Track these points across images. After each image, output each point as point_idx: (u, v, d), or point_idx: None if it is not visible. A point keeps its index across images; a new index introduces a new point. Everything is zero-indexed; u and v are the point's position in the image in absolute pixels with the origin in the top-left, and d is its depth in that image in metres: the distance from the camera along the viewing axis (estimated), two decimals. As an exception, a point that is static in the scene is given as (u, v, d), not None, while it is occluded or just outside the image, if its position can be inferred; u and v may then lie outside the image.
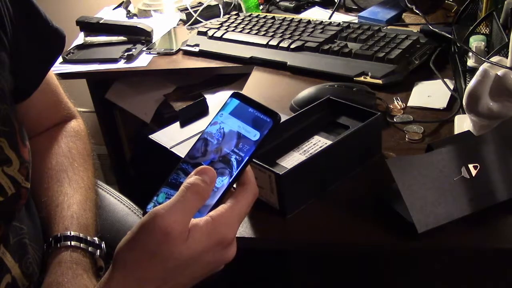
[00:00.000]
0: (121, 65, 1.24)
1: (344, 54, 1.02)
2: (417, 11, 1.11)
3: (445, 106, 0.85)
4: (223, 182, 0.48)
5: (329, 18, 1.29)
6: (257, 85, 1.03)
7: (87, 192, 0.70)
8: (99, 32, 1.35)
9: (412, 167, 0.60)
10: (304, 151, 0.72)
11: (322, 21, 1.18)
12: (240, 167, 0.48)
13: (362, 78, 0.95)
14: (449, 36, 0.96)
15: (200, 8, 1.43)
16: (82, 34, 1.37)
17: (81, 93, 1.37)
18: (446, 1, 1.21)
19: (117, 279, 0.44)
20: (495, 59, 0.68)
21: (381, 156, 0.74)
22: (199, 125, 0.93)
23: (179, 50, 1.26)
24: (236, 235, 0.61)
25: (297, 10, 1.42)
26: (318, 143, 0.73)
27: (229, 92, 0.52)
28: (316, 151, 0.67)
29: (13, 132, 0.59)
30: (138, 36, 1.32)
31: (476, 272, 0.77)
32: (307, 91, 0.89)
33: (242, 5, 1.41)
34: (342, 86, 0.87)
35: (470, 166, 0.61)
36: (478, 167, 0.61)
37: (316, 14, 1.39)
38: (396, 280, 0.85)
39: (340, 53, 1.02)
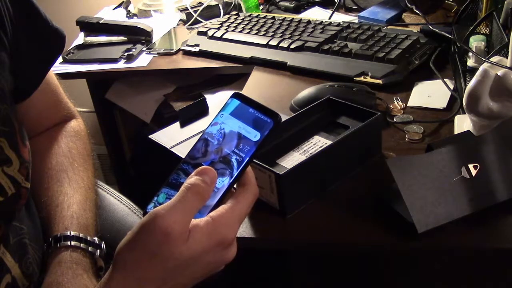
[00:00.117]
0: (121, 65, 1.24)
1: (344, 54, 1.02)
2: (417, 11, 1.10)
3: (445, 106, 0.85)
4: (223, 182, 0.48)
5: (329, 18, 1.29)
6: (257, 85, 1.03)
7: (87, 192, 0.70)
8: (99, 32, 1.35)
9: (412, 167, 0.60)
10: (304, 151, 0.72)
11: (322, 21, 1.18)
12: (240, 168, 0.48)
13: (362, 78, 0.95)
14: (449, 36, 0.96)
15: (200, 8, 1.43)
16: (82, 34, 1.37)
17: (81, 93, 1.37)
18: (446, 1, 1.21)
19: (117, 279, 0.44)
20: (495, 59, 0.68)
21: (381, 156, 0.74)
22: (199, 125, 0.93)
23: (179, 50, 1.26)
24: (236, 235, 0.61)
25: (297, 10, 1.42)
26: (318, 143, 0.73)
27: (229, 92, 0.52)
28: (316, 151, 0.67)
29: (13, 132, 0.59)
30: (138, 36, 1.32)
31: (476, 272, 0.77)
32: (307, 91, 0.89)
33: (242, 5, 1.41)
34: (342, 86, 0.87)
35: (470, 166, 0.61)
36: (478, 167, 0.61)
37: (316, 14, 1.39)
38: (396, 280, 0.85)
39: (340, 53, 1.02)
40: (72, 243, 0.62)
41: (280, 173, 0.61)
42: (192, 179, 0.46)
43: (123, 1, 1.57)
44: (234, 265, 0.50)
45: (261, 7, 1.45)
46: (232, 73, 1.20)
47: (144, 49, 1.29)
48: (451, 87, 0.88)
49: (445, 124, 0.80)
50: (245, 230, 0.64)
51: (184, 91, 1.30)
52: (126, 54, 1.25)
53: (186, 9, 1.45)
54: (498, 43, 0.80)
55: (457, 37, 0.95)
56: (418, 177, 0.59)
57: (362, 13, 1.26)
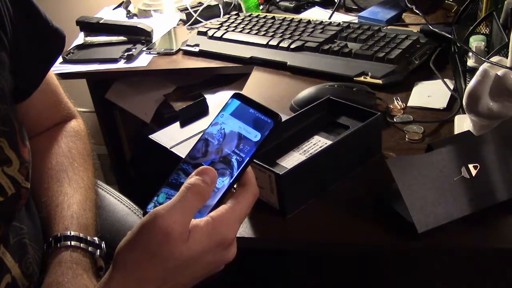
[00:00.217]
0: (121, 65, 1.24)
1: (344, 54, 1.02)
2: (417, 11, 1.10)
3: (445, 106, 0.85)
4: (223, 182, 0.48)
5: (329, 18, 1.29)
6: (257, 85, 1.03)
7: (87, 192, 0.70)
8: (99, 32, 1.35)
9: (412, 167, 0.60)
10: (304, 151, 0.72)
11: (322, 21, 1.18)
12: (240, 168, 0.48)
13: (362, 78, 0.95)
14: (449, 36, 0.96)
15: (200, 8, 1.43)
16: (82, 34, 1.37)
17: (81, 93, 1.37)
18: (446, 1, 1.21)
19: (117, 279, 0.44)
20: (495, 59, 0.68)
21: (381, 156, 0.74)
22: (199, 125, 0.93)
23: (179, 50, 1.26)
24: (236, 235, 0.61)
25: (297, 10, 1.42)
26: (318, 143, 0.73)
27: (229, 92, 0.52)
28: (316, 151, 0.67)
29: (13, 132, 0.59)
30: (138, 36, 1.32)
31: (476, 272, 0.77)
32: (307, 91, 0.89)
33: (242, 5, 1.41)
34: (342, 86, 0.87)
35: (470, 166, 0.61)
36: (478, 167, 0.61)
37: (316, 14, 1.39)
38: (396, 280, 0.85)
39: (340, 53, 1.02)
40: (72, 243, 0.62)
41: (280, 173, 0.61)
42: (192, 179, 0.46)
43: (123, 1, 1.57)
44: (234, 265, 0.50)
45: (261, 7, 1.45)
46: (232, 73, 1.20)
47: (144, 49, 1.29)
48: (451, 87, 0.88)
49: (445, 124, 0.80)
50: (245, 230, 0.64)
51: (184, 91, 1.30)
52: (126, 54, 1.25)
53: (186, 9, 1.45)
54: (498, 43, 0.80)
55: (457, 37, 0.95)
56: (418, 177, 0.59)
57: (362, 13, 1.26)
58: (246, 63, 1.13)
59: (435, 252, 0.67)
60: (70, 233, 0.63)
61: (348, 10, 1.39)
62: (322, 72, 1.00)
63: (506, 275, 0.75)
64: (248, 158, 0.48)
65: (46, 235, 0.65)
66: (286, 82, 1.02)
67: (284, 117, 0.76)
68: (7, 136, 0.57)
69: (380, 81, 0.93)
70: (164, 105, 1.31)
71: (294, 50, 1.08)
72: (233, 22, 1.27)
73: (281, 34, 1.15)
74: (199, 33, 1.28)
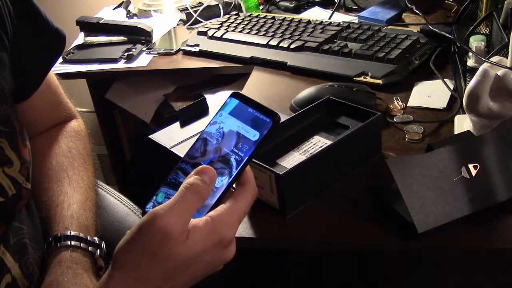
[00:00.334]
0: (121, 65, 1.24)
1: (344, 54, 1.02)
2: (417, 11, 1.10)
3: (445, 106, 0.85)
4: (222, 182, 0.48)
5: (329, 18, 1.29)
6: (257, 85, 1.03)
7: (87, 192, 0.70)
8: (99, 32, 1.35)
9: (412, 167, 0.60)
10: (304, 151, 0.72)
11: (322, 21, 1.18)
12: (239, 167, 0.48)
13: (362, 78, 0.95)
14: (449, 36, 0.96)
15: (200, 8, 1.43)
16: (82, 34, 1.37)
17: (81, 93, 1.37)
18: (446, 1, 1.21)
19: (116, 279, 0.44)
20: (495, 59, 0.68)
21: (381, 156, 0.74)
22: (199, 125, 0.93)
23: (179, 50, 1.26)
24: (236, 235, 0.61)
25: (297, 10, 1.42)
26: (318, 143, 0.73)
27: (229, 92, 0.52)
28: (316, 151, 0.67)
29: (14, 133, 0.59)
30: (138, 36, 1.32)
31: (476, 272, 0.77)
32: (307, 91, 0.89)
33: (242, 5, 1.41)
34: (342, 86, 0.87)
35: (470, 166, 0.61)
36: (478, 167, 0.61)
37: (316, 14, 1.39)
38: (396, 280, 0.85)
39: (340, 53, 1.02)
40: (72, 242, 0.62)
41: (280, 173, 0.61)
42: (191, 178, 0.46)
43: (123, 1, 1.57)
44: (234, 265, 0.50)
45: (261, 7, 1.45)
46: (232, 73, 1.20)
47: (144, 49, 1.29)
48: (451, 87, 0.88)
49: (445, 124, 0.80)
50: (245, 230, 0.64)
51: (184, 91, 1.30)
52: (126, 54, 1.25)
53: (186, 9, 1.45)
54: (498, 43, 0.80)
55: (457, 37, 0.95)
56: (418, 177, 0.59)
57: (362, 13, 1.26)
58: (246, 63, 1.13)
59: (435, 252, 0.67)
60: (70, 233, 0.63)
61: (348, 10, 1.39)
62: (322, 72, 1.00)
63: (506, 275, 0.75)
64: (247, 158, 0.48)
65: (46, 235, 0.65)
66: (286, 82, 1.02)
67: (284, 117, 0.76)
68: (7, 137, 0.57)
69: (380, 81, 0.93)
70: (164, 105, 1.31)
71: (294, 50, 1.08)
72: (233, 22, 1.27)
73: (281, 34, 1.15)
74: (199, 33, 1.28)
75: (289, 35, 1.14)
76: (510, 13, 0.82)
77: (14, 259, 0.58)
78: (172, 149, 0.86)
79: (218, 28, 1.25)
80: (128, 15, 1.54)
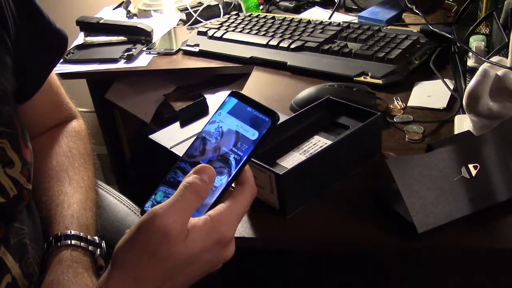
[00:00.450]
0: (121, 65, 1.24)
1: (344, 54, 1.02)
2: (417, 11, 1.11)
3: (445, 106, 0.85)
4: (221, 181, 0.48)
5: (329, 18, 1.29)
6: (257, 85, 1.03)
7: (87, 191, 0.70)
8: (99, 32, 1.35)
9: (412, 167, 0.60)
10: (304, 151, 0.72)
11: (322, 21, 1.18)
12: (238, 166, 0.48)
13: (362, 78, 0.95)
14: (449, 36, 0.96)
15: (200, 8, 1.43)
16: (82, 34, 1.37)
17: (81, 93, 1.37)
18: (446, 1, 1.21)
19: (116, 278, 0.44)
20: (495, 59, 0.68)
21: (381, 156, 0.74)
22: (199, 125, 0.93)
23: (179, 50, 1.26)
24: (236, 235, 0.61)
25: (297, 10, 1.42)
26: (318, 143, 0.73)
27: (229, 92, 0.52)
28: (316, 151, 0.67)
29: (16, 134, 0.59)
30: (138, 36, 1.32)
31: (476, 272, 0.77)
32: (307, 91, 0.89)
33: (242, 5, 1.41)
34: (342, 86, 0.87)
35: (470, 166, 0.61)
36: (478, 167, 0.61)
37: (316, 14, 1.39)
38: (396, 280, 0.85)
39: (340, 53, 1.02)
40: (73, 242, 0.62)
41: (280, 173, 0.61)
42: (191, 177, 0.46)
43: (123, 1, 1.57)
44: (234, 265, 0.50)
45: (261, 7, 1.45)
46: (232, 73, 1.20)
47: (144, 49, 1.29)
48: (451, 87, 0.88)
49: (445, 124, 0.80)
50: (245, 230, 0.64)
51: (184, 91, 1.30)
52: (126, 54, 1.25)
53: (186, 9, 1.45)
54: (498, 43, 0.80)
55: (457, 37, 0.95)
56: (418, 177, 0.59)
57: (362, 13, 1.26)
58: (246, 63, 1.13)
59: (435, 252, 0.67)
60: (71, 232, 0.63)
61: (348, 10, 1.39)
62: (322, 72, 1.00)
63: (506, 275, 0.75)
64: (246, 157, 0.48)
65: (46, 234, 0.65)
66: (286, 82, 1.02)
67: (284, 117, 0.76)
68: (9, 138, 0.57)
69: (380, 81, 0.93)
70: (164, 105, 1.31)
71: (294, 50, 1.08)
72: (233, 22, 1.27)
73: (281, 34, 1.15)
74: (199, 33, 1.28)
75: (289, 35, 1.14)
76: (510, 13, 0.82)
77: (14, 259, 0.58)
78: (172, 149, 0.86)
79: (218, 28, 1.25)
80: (128, 15, 1.54)
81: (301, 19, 1.21)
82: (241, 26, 1.24)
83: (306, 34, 1.13)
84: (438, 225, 0.57)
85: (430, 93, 0.89)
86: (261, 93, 0.99)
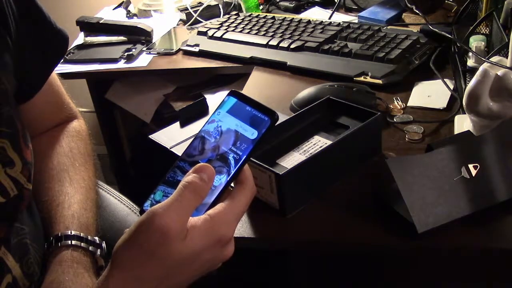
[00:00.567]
0: (121, 65, 1.24)
1: (344, 54, 1.02)
2: (417, 11, 1.11)
3: (445, 106, 0.85)
4: (221, 180, 0.48)
5: (329, 18, 1.29)
6: (257, 85, 1.03)
7: (88, 192, 0.70)
8: (99, 32, 1.35)
9: (412, 167, 0.60)
10: (304, 151, 0.72)
11: (322, 21, 1.18)
12: (238, 166, 0.48)
13: (362, 78, 0.95)
14: (449, 36, 0.96)
15: (200, 8, 1.43)
16: (82, 34, 1.37)
17: (81, 93, 1.37)
18: (446, 1, 1.21)
19: (115, 278, 0.44)
20: (495, 59, 0.68)
21: (381, 156, 0.74)
22: (199, 125, 0.92)
23: (179, 50, 1.26)
24: (236, 235, 0.61)
25: (297, 10, 1.42)
26: (318, 143, 0.73)
27: (229, 92, 0.52)
28: (316, 151, 0.67)
29: (16, 134, 0.59)
30: (138, 36, 1.32)
31: (476, 272, 0.77)
32: (307, 91, 0.89)
33: (242, 5, 1.41)
34: (342, 86, 0.87)
35: (470, 166, 0.61)
36: (478, 167, 0.61)
37: (316, 14, 1.39)
38: (396, 280, 0.85)
39: (340, 53, 1.02)
40: (73, 242, 0.62)
41: (280, 173, 0.61)
42: (190, 176, 0.46)
43: (123, 1, 1.57)
44: (234, 265, 0.50)
45: (261, 7, 1.45)
46: (232, 73, 1.20)
47: (144, 49, 1.29)
48: (451, 87, 0.88)
49: (445, 124, 0.80)
50: (245, 230, 0.64)
51: (184, 91, 1.30)
52: (126, 54, 1.25)
53: (186, 9, 1.45)
54: (498, 43, 0.80)
55: (457, 37, 0.95)
56: (418, 177, 0.59)
57: (362, 13, 1.26)
58: (246, 63, 1.13)
59: (435, 252, 0.67)
60: (71, 233, 0.63)
61: (348, 10, 1.39)
62: (322, 72, 1.00)
63: (505, 275, 0.75)
64: (245, 156, 0.48)
65: (46, 234, 0.65)
66: (286, 82, 1.02)
67: (284, 117, 0.76)
68: (10, 138, 0.57)
69: (380, 81, 0.93)
70: (164, 105, 1.31)
71: (294, 50, 1.08)
72: (233, 22, 1.27)
73: (281, 34, 1.15)
74: (199, 33, 1.28)
75: (289, 35, 1.14)
76: (510, 13, 0.82)
77: (15, 259, 0.58)
78: (172, 149, 0.86)
79: (218, 28, 1.25)
80: (128, 15, 1.54)
81: (301, 19, 1.21)
82: (241, 26, 1.24)
83: (306, 34, 1.13)
84: (438, 225, 0.57)
85: (430, 93, 0.89)
86: (261, 93, 0.99)
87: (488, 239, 0.58)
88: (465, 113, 0.71)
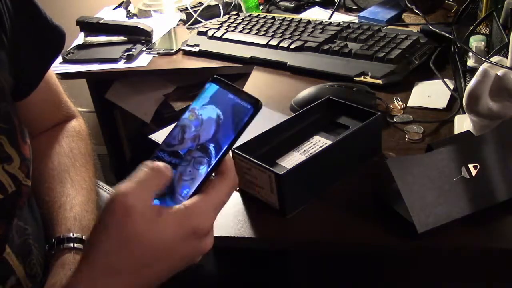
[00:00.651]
0: (121, 65, 1.24)
1: (344, 54, 1.02)
2: (417, 11, 1.11)
3: (445, 106, 0.85)
4: (201, 171, 0.46)
5: (329, 18, 1.29)
6: (257, 85, 1.03)
7: (89, 193, 0.70)
8: (99, 32, 1.35)
9: (412, 167, 0.60)
10: (304, 151, 0.72)
11: (322, 21, 1.18)
12: (218, 156, 0.45)
13: (362, 78, 0.95)
14: (449, 36, 0.96)
15: (200, 8, 1.43)
16: (82, 34, 1.37)
17: (81, 93, 1.37)
18: (446, 1, 1.21)
19: (84, 272, 0.42)
20: (495, 59, 0.68)
21: (381, 156, 0.74)
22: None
23: (179, 50, 1.26)
24: (236, 235, 0.61)
25: (297, 10, 1.42)
26: (318, 143, 0.73)
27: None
28: (316, 151, 0.67)
29: (13, 130, 0.59)
30: (138, 36, 1.32)
31: (476, 272, 0.77)
32: (307, 91, 0.89)
33: (242, 5, 1.41)
34: (342, 86, 0.87)
35: (470, 166, 0.61)
36: (478, 167, 0.61)
37: (316, 14, 1.39)
38: (396, 280, 0.85)
39: (340, 53, 1.02)
40: (75, 245, 0.62)
41: (280, 173, 0.61)
42: (154, 161, 0.45)
43: (123, 1, 1.57)
44: (234, 265, 0.50)
45: (261, 7, 1.45)
46: (232, 73, 1.20)
47: (144, 49, 1.29)
48: (451, 87, 0.88)
49: (445, 124, 0.80)
50: (245, 230, 0.64)
51: (184, 91, 1.30)
52: (126, 54, 1.25)
53: (186, 9, 1.45)
54: (498, 43, 0.80)
55: (457, 37, 0.95)
56: (418, 177, 0.59)
57: (362, 13, 1.26)
58: (246, 63, 1.13)
59: (435, 252, 0.67)
60: (73, 235, 0.63)
61: (348, 10, 1.39)
62: (322, 72, 1.00)
63: (505, 275, 0.75)
64: (226, 146, 0.45)
65: (48, 235, 0.65)
66: (286, 82, 1.02)
67: (284, 117, 0.76)
68: (7, 133, 0.57)
69: (380, 81, 0.93)
70: (164, 105, 1.31)
71: (294, 50, 1.08)
72: (233, 22, 1.27)
73: (281, 34, 1.15)
74: (199, 33, 1.28)
75: (289, 35, 1.14)
76: (510, 13, 0.82)
77: (18, 260, 0.58)
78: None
79: (218, 28, 1.25)
80: (128, 15, 1.54)
81: (301, 19, 1.21)
82: (241, 26, 1.24)
83: (306, 34, 1.13)
84: (438, 225, 0.57)
85: (430, 93, 0.89)
86: (261, 93, 0.99)
87: (488, 239, 0.58)
88: (465, 113, 0.71)
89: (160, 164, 0.44)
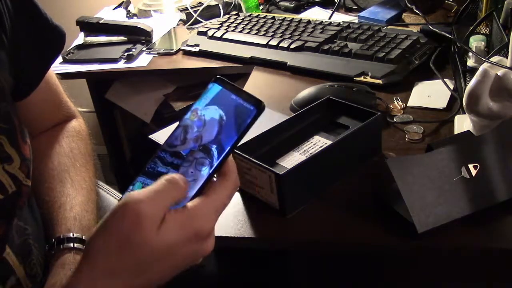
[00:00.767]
0: (121, 65, 1.24)
1: (344, 54, 1.02)
2: (417, 11, 1.11)
3: (445, 106, 0.85)
4: (202, 172, 0.45)
5: (329, 18, 1.29)
6: (257, 85, 1.03)
7: (89, 193, 0.70)
8: (99, 32, 1.35)
9: (412, 167, 0.60)
10: (304, 151, 0.72)
11: (322, 21, 1.18)
12: (221, 158, 0.45)
13: (362, 78, 0.95)
14: (449, 36, 0.96)
15: (200, 8, 1.43)
16: (82, 34, 1.37)
17: (81, 93, 1.37)
18: (446, 1, 1.21)
19: (84, 272, 0.42)
20: (495, 59, 0.68)
21: (381, 156, 0.74)
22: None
23: (179, 50, 1.26)
24: (236, 235, 0.61)
25: (297, 10, 1.42)
26: (318, 143, 0.73)
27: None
28: (316, 151, 0.67)
29: (13, 130, 0.59)
30: (138, 36, 1.32)
31: (476, 272, 0.77)
32: (307, 91, 0.89)
33: (242, 5, 1.41)
34: (342, 86, 0.87)
35: (470, 166, 0.61)
36: (478, 167, 0.61)
37: (316, 14, 1.39)
38: (396, 280, 0.85)
39: (340, 53, 1.02)
40: (75, 245, 0.62)
41: (280, 173, 0.61)
42: (174, 174, 0.44)
43: (123, 1, 1.57)
44: (234, 265, 0.50)
45: (261, 7, 1.45)
46: (232, 73, 1.20)
47: (144, 49, 1.29)
48: (451, 87, 0.88)
49: (445, 124, 0.80)
50: (245, 230, 0.64)
51: (184, 91, 1.30)
52: (126, 54, 1.25)
53: (186, 9, 1.45)
54: (498, 43, 0.80)
55: (457, 37, 0.95)
56: (418, 177, 0.59)
57: (362, 13, 1.26)
58: (246, 63, 1.13)
59: (435, 252, 0.67)
60: (73, 235, 0.63)
61: (348, 10, 1.39)
62: (322, 72, 1.00)
63: (505, 275, 0.75)
64: (229, 147, 0.45)
65: (48, 235, 0.65)
66: (286, 82, 1.02)
67: (284, 117, 0.76)
68: (7, 134, 0.57)
69: (380, 81, 0.93)
70: (164, 105, 1.31)
71: (294, 50, 1.08)
72: (233, 22, 1.27)
73: (281, 34, 1.15)
74: (199, 33, 1.28)
75: (289, 35, 1.14)
76: (510, 13, 0.82)
77: (18, 260, 0.58)
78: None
79: (218, 28, 1.25)
80: (128, 15, 1.54)
81: (301, 19, 1.21)
82: (241, 26, 1.24)
83: (306, 34, 1.13)
84: (438, 225, 0.57)
85: (430, 93, 0.89)
86: (261, 93, 0.99)
87: (488, 239, 0.58)
88: (465, 113, 0.71)
89: (177, 177, 0.44)
